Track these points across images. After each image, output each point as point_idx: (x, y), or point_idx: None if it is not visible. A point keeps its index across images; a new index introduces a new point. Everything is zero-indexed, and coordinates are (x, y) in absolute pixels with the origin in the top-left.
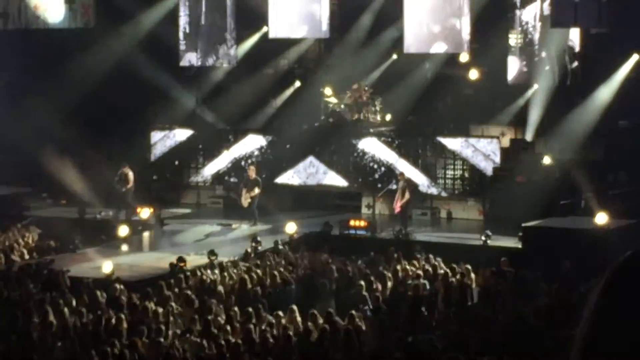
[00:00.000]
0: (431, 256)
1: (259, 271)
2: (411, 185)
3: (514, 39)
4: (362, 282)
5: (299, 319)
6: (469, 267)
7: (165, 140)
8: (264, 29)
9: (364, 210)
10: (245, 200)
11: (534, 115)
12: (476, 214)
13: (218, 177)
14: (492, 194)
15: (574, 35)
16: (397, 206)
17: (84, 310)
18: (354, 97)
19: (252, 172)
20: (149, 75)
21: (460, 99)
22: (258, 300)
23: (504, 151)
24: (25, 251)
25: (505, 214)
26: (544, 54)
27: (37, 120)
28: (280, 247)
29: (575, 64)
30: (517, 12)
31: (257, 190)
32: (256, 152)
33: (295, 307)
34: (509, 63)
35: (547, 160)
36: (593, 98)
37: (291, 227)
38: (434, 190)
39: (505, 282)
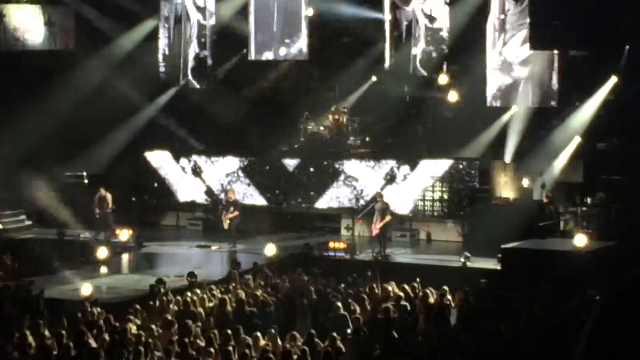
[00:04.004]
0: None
1: (238, 292)
2: (390, 208)
3: (493, 61)
4: (342, 304)
5: (278, 340)
6: (446, 288)
7: (145, 162)
8: (244, 51)
9: (344, 232)
10: (225, 222)
11: (513, 137)
12: (455, 236)
13: (197, 200)
14: (471, 215)
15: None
16: (375, 228)
17: (63, 332)
18: (332, 119)
19: (231, 194)
20: (128, 97)
21: (439, 121)
22: (237, 321)
23: (483, 173)
24: (1, 273)
25: (484, 236)
26: (523, 76)
27: (17, 141)
28: (259, 268)
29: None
30: (496, 33)
31: (236, 212)
32: (235, 174)
33: (274, 329)
34: (488, 85)
35: (525, 182)
36: (572, 120)
37: (270, 249)
38: (412, 212)
39: (484, 304)
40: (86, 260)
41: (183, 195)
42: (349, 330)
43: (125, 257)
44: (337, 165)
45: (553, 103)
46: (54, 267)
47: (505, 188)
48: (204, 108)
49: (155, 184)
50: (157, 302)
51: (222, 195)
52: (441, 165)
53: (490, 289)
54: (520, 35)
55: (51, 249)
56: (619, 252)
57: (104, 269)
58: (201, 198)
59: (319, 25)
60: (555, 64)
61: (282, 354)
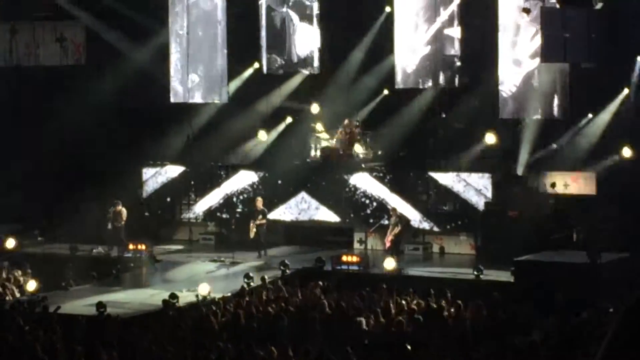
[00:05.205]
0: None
1: (251, 307)
2: (403, 221)
3: (504, 73)
4: (356, 318)
5: (291, 354)
6: (460, 302)
7: (157, 176)
8: (256, 65)
9: (356, 245)
10: (252, 231)
11: (525, 150)
12: (468, 249)
13: (210, 214)
14: (484, 228)
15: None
16: (388, 240)
17: (76, 347)
18: (344, 132)
19: (259, 204)
20: (140, 112)
21: (450, 133)
22: (250, 335)
23: (496, 186)
24: (15, 289)
25: (498, 249)
26: (534, 88)
27: (28, 157)
28: (271, 282)
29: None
30: (507, 46)
31: (264, 220)
32: (248, 188)
33: (287, 343)
34: (499, 97)
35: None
36: (583, 132)
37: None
38: (425, 225)
39: (497, 317)
40: (99, 275)
41: (196, 210)
42: (362, 344)
43: (138, 271)
44: (349, 179)
45: (565, 115)
46: (67, 282)
47: (518, 200)
48: (217, 122)
49: (168, 199)
50: (171, 317)
51: (240, 207)
52: (454, 178)
53: (503, 301)
54: (531, 47)
55: (64, 264)
56: (632, 264)
57: (117, 284)
58: (214, 213)
59: (331, 38)
60: (567, 76)
61: None
